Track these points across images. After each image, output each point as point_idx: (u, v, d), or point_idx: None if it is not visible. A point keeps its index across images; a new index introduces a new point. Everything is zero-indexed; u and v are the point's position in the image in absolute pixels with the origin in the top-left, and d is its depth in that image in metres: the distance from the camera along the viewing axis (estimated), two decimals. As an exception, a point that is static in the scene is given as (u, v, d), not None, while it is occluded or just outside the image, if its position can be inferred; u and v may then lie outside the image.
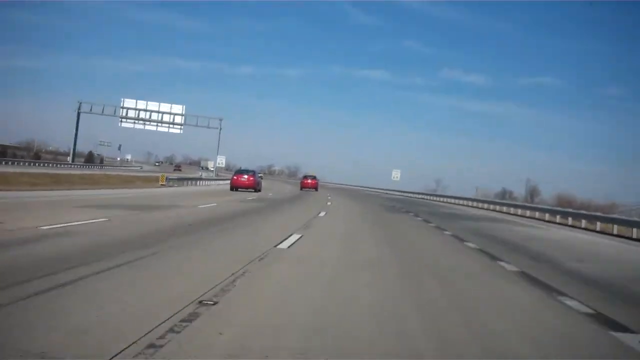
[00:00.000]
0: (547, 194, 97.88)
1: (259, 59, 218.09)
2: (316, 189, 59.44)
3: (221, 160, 74.28)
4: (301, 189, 58.90)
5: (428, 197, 67.37)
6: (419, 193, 77.70)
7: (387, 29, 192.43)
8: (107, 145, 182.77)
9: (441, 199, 62.68)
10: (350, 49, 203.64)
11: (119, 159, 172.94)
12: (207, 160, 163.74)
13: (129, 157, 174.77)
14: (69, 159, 79.31)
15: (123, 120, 76.85)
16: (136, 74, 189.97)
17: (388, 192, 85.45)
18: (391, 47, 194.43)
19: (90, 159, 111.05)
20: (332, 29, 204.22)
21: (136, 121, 77.08)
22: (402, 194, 78.68)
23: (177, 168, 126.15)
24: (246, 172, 43.81)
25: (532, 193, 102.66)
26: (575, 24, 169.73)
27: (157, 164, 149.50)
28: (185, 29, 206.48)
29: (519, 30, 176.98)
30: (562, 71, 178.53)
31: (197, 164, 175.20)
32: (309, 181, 61.71)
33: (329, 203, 31.15)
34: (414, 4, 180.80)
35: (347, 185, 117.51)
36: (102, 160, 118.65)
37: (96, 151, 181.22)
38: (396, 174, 73.95)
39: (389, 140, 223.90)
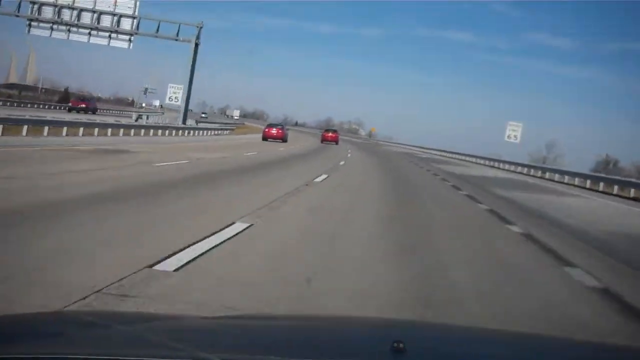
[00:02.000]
0: None
1: (338, 18, 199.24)
2: (337, 142, 57.82)
3: (175, 93, 40.86)
4: (322, 141, 57.25)
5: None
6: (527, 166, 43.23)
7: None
8: (154, 92, 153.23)
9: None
10: (434, 9, 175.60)
11: (143, 104, 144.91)
12: (232, 108, 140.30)
13: (156, 103, 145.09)
14: None
15: (33, 24, 45.30)
16: (216, 29, 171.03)
17: (493, 164, 50.94)
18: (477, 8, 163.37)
19: (65, 97, 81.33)
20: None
21: (54, 25, 45.34)
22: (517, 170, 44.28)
23: (80, 103, 63.66)
24: (275, 125, 49.15)
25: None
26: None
27: (203, 115, 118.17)
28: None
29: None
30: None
31: (254, 115, 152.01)
32: (330, 134, 60.74)
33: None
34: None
35: (419, 147, 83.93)
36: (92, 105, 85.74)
37: (140, 99, 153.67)
38: (514, 130, 39.69)
39: (473, 103, 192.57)
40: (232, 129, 56.58)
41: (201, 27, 45.31)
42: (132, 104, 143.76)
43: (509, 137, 41.80)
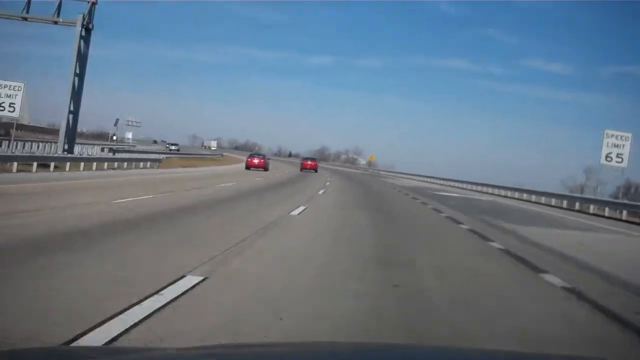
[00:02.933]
0: None
1: (336, 49, 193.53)
2: (315, 170, 58.61)
3: (9, 97, 23.16)
4: (301, 169, 57.51)
5: None
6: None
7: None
8: (136, 126, 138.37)
9: None
10: (432, 39, 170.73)
11: (115, 137, 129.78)
12: (210, 139, 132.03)
13: (129, 135, 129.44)
14: None
15: None
16: (215, 65, 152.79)
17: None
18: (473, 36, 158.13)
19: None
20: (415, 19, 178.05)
21: None
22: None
23: None
24: (258, 155, 52.74)
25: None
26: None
27: (173, 146, 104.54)
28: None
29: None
30: None
31: (246, 146, 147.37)
32: (309, 163, 61.61)
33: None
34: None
35: (430, 178, 68.25)
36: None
37: (120, 133, 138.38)
38: (616, 146, 24.08)
39: (476, 129, 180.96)
40: (160, 161, 38.87)
41: (95, 3, 29.55)
42: (111, 138, 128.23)
43: (608, 157, 25.24)
